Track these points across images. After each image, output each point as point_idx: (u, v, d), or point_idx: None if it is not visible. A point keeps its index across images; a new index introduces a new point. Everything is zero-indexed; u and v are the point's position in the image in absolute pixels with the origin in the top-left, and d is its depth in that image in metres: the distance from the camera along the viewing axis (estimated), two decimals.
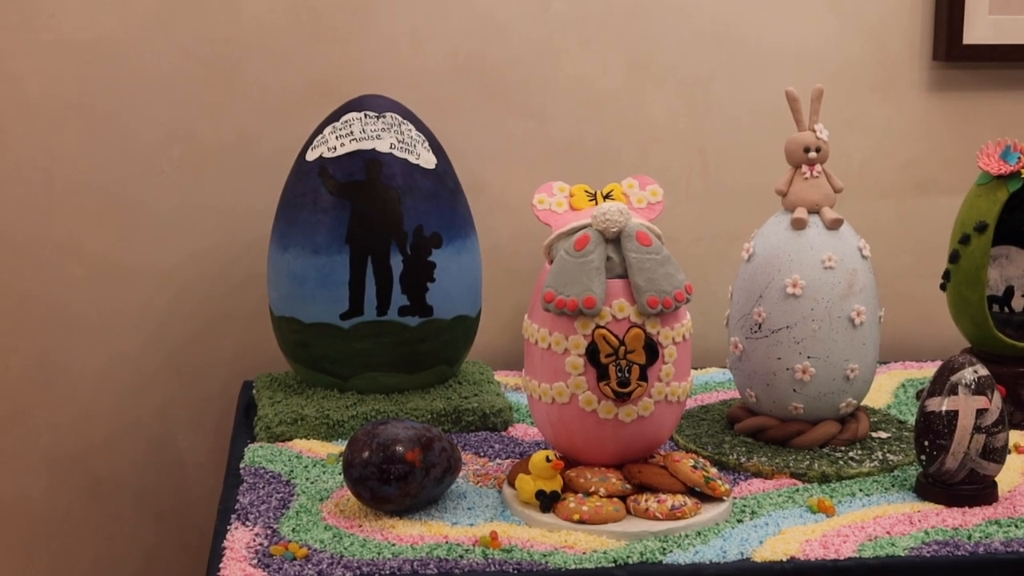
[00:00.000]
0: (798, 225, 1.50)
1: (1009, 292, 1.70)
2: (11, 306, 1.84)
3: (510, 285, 1.89)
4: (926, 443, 1.38)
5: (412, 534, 1.31)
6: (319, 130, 1.66)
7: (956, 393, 1.36)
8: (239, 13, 1.81)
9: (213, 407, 1.89)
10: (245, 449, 1.55)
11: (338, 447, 1.55)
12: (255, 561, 1.25)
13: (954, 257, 1.63)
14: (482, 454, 1.54)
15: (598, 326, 1.33)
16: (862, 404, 1.59)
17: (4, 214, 1.82)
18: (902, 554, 1.26)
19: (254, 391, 1.71)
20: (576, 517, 1.31)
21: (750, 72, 1.92)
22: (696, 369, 1.76)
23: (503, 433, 1.61)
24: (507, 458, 1.53)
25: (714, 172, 1.94)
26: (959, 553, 1.27)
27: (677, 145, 1.92)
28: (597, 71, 1.89)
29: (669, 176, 1.90)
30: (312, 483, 1.44)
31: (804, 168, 1.52)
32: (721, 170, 1.93)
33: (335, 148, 1.62)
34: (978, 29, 1.91)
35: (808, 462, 1.46)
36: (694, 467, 1.35)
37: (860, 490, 1.42)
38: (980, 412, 1.36)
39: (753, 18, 1.91)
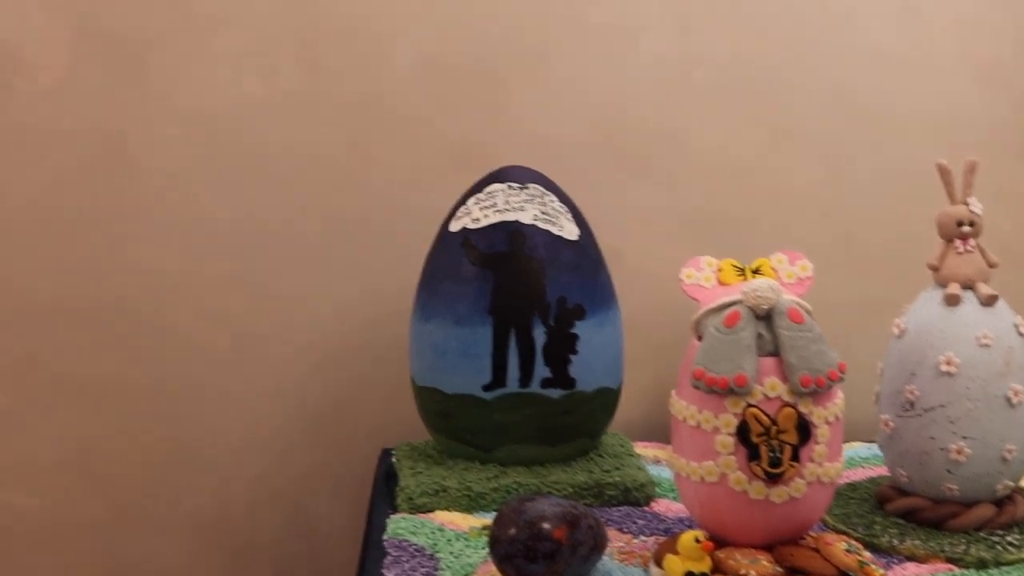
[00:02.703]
0: (952, 301, 1.46)
1: None
2: (149, 378, 1.86)
3: (648, 356, 1.88)
4: None
5: None
6: (462, 201, 1.67)
7: None
8: (381, 85, 1.83)
9: (352, 475, 1.89)
10: (387, 520, 1.55)
11: (480, 519, 1.55)
12: None
13: None
14: (625, 530, 1.52)
15: (749, 405, 1.31)
16: (1019, 485, 1.55)
17: (152, 286, 1.85)
18: None
19: (394, 459, 1.71)
20: None
21: (891, 140, 1.89)
22: None
23: (645, 508, 1.59)
24: (651, 534, 1.50)
25: (859, 243, 1.90)
26: None
27: (819, 215, 1.90)
28: (735, 140, 1.88)
29: (810, 246, 1.87)
30: (456, 557, 1.44)
31: (957, 242, 1.49)
32: (865, 241, 1.90)
33: (479, 219, 1.63)
34: None
35: (964, 546, 1.42)
36: (847, 551, 1.32)
37: None
38: None
39: (893, 86, 1.89)
